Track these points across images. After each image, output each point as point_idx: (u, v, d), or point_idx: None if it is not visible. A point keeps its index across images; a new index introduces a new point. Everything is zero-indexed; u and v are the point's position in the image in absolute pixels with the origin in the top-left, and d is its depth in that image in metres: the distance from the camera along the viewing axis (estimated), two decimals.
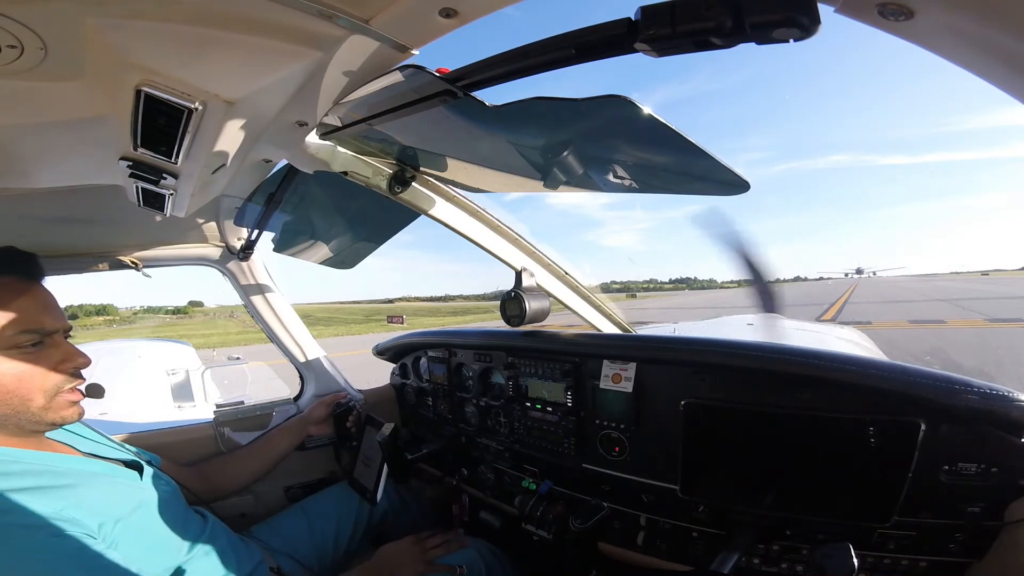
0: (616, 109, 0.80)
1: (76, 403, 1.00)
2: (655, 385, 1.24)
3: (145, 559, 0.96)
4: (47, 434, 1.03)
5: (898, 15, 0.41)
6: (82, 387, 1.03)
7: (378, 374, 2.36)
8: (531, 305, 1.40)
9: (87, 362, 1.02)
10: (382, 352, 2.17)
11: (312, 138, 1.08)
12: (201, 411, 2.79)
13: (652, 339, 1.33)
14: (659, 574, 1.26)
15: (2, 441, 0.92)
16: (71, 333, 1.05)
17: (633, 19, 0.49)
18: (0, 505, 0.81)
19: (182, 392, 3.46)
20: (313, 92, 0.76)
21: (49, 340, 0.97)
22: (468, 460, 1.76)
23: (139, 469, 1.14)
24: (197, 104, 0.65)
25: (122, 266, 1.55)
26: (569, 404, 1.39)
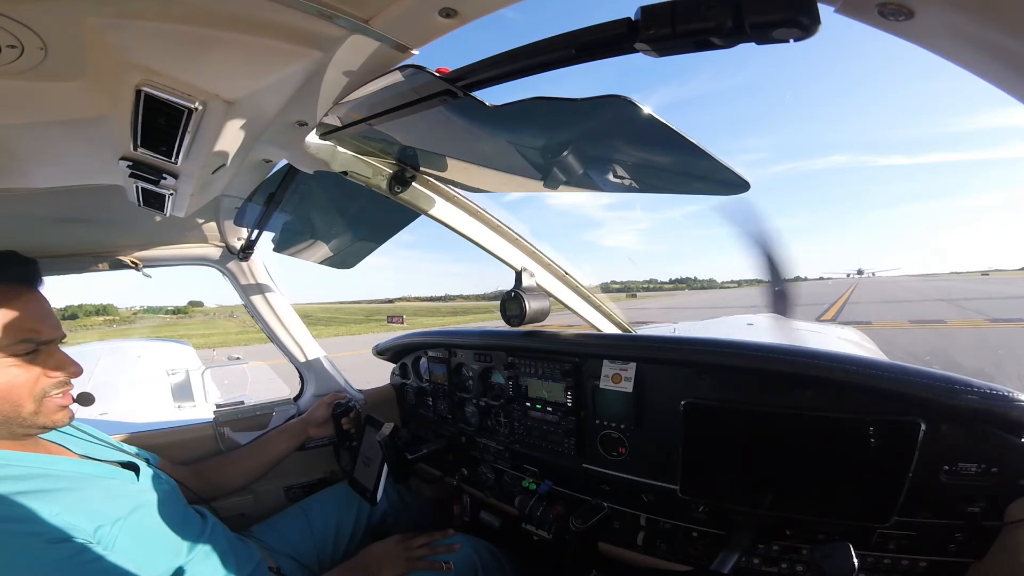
0: (616, 109, 0.80)
1: (66, 407, 1.00)
2: (655, 385, 1.24)
3: (145, 560, 0.96)
4: (40, 435, 1.02)
5: (898, 15, 0.41)
6: (73, 392, 1.03)
7: (378, 374, 2.36)
8: (531, 305, 1.40)
9: (79, 372, 1.02)
10: (382, 352, 2.17)
11: (312, 138, 1.08)
12: (201, 411, 2.79)
13: (652, 339, 1.33)
14: (659, 574, 1.26)
15: None
16: (64, 340, 1.04)
17: (633, 19, 0.49)
18: None
19: (182, 392, 3.46)
20: (313, 92, 0.76)
21: (44, 349, 0.97)
22: (468, 460, 1.76)
23: (136, 469, 1.14)
24: (197, 104, 0.65)
25: (122, 266, 1.55)
26: (569, 404, 1.39)
